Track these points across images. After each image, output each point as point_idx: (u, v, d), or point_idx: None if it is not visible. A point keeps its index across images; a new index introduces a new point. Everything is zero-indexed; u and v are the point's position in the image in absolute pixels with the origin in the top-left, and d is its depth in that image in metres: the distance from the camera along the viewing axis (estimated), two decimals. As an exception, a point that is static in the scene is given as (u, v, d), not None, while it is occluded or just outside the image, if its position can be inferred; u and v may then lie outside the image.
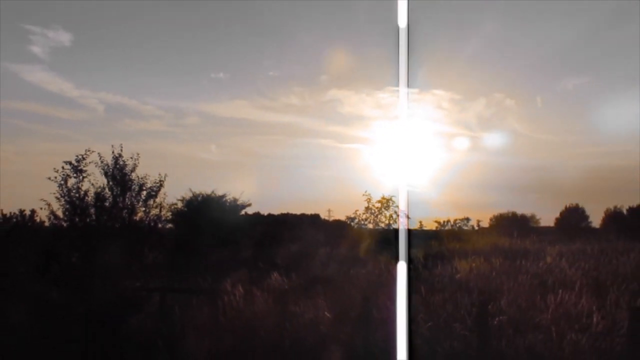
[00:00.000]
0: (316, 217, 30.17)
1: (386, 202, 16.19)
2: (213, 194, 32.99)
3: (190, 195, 32.87)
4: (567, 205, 53.94)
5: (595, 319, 10.60)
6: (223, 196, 33.15)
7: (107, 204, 13.19)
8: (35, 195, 13.26)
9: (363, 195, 18.98)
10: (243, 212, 32.86)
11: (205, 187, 33.41)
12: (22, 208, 13.66)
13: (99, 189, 13.18)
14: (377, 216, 15.91)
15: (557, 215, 54.26)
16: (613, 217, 55.78)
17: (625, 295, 12.38)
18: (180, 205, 32.36)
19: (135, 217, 13.46)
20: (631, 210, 58.47)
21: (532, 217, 53.98)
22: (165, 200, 13.86)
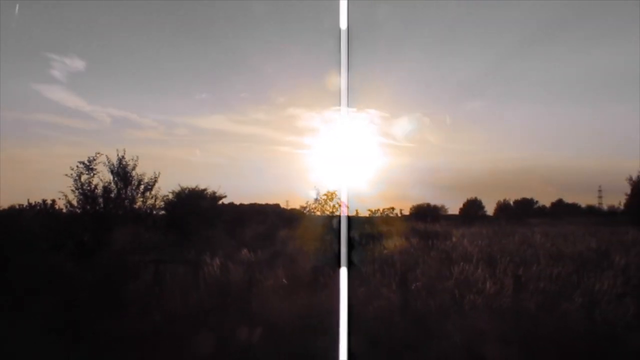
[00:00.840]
0: (277, 206, 30.21)
1: (330, 195, 16.27)
2: (197, 188, 32.89)
3: (179, 189, 32.74)
4: (468, 198, 54.61)
5: (488, 284, 10.76)
6: (204, 190, 33.03)
7: (112, 195, 13.16)
8: (56, 188, 13.18)
9: (313, 189, 19.05)
10: (220, 202, 32.86)
11: (191, 182, 33.29)
12: (45, 198, 13.53)
13: (106, 184, 13.17)
14: (323, 206, 15.97)
15: (461, 205, 55.03)
16: (502, 208, 56.85)
17: (510, 266, 12.59)
18: (171, 196, 32.23)
19: (135, 206, 13.44)
20: (515, 202, 59.59)
21: (442, 207, 54.56)
22: (159, 193, 13.84)
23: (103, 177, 12.98)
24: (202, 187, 32.99)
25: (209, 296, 11.35)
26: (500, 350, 7.14)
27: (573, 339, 8.21)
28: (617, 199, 61.79)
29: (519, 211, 54.30)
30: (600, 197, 66.62)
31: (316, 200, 16.25)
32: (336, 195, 16.27)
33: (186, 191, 32.36)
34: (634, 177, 40.95)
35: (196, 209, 27.69)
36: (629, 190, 42.08)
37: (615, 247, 17.47)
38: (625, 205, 44.73)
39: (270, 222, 23.92)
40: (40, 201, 13.72)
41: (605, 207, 61.98)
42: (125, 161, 13.22)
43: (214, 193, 33.11)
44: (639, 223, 30.40)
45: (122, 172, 13.13)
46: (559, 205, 63.13)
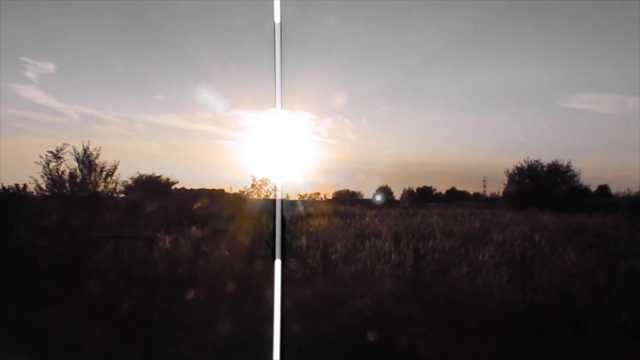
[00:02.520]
0: (222, 191, 29.93)
1: (265, 182, 16.23)
2: (153, 175, 32.24)
3: (137, 175, 31.96)
4: (380, 186, 55.62)
5: (393, 256, 11.00)
6: (159, 176, 32.44)
7: (77, 180, 12.77)
8: (27, 174, 12.70)
9: (250, 176, 18.94)
10: (173, 187, 32.29)
11: (147, 170, 32.51)
12: (17, 183, 13.01)
13: (72, 170, 12.74)
14: (259, 191, 15.91)
15: (374, 191, 55.93)
16: (408, 193, 57.87)
17: (412, 241, 12.91)
18: (130, 182, 31.50)
19: (97, 189, 13.05)
20: (418, 189, 60.88)
21: (359, 193, 55.42)
22: (119, 179, 13.50)
23: (69, 165, 12.57)
24: (157, 174, 32.38)
25: (162, 266, 11.17)
26: (402, 308, 7.34)
27: (460, 298, 8.51)
28: (497, 187, 64.13)
29: (421, 197, 55.63)
30: (484, 186, 68.88)
31: (253, 186, 16.18)
32: (269, 181, 16.25)
33: (143, 177, 31.71)
34: (510, 170, 42.69)
35: (152, 192, 27.12)
36: (506, 181, 43.86)
37: (494, 226, 18.15)
38: (504, 192, 46.58)
39: (216, 204, 23.66)
40: (14, 185, 13.16)
41: (488, 194, 64.30)
42: (90, 151, 12.82)
43: (168, 179, 32.58)
44: (514, 207, 31.68)
45: (86, 161, 12.73)
46: (452, 192, 65.06)
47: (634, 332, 7.24)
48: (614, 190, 50.37)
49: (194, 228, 15.72)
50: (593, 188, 47.29)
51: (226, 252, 11.47)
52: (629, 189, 50.14)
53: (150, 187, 29.31)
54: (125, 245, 12.55)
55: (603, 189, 50.79)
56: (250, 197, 17.02)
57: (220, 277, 9.81)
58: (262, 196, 16.53)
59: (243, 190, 17.46)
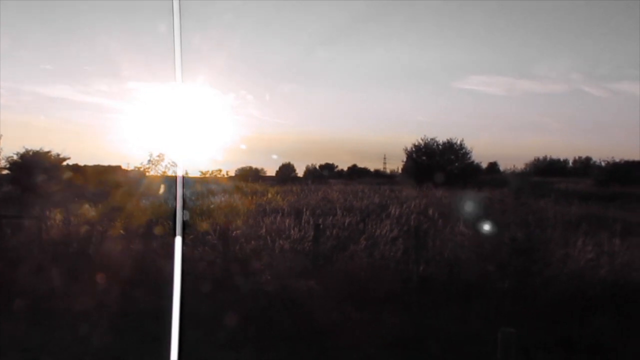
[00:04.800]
0: (118, 167, 28.73)
1: (162, 157, 15.72)
2: (41, 150, 30.32)
3: (24, 150, 29.91)
4: (283, 162, 55.86)
5: (294, 231, 11.09)
6: (49, 152, 30.57)
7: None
8: None
9: (147, 152, 18.31)
10: (65, 163, 30.56)
11: (35, 145, 30.52)
12: None
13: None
14: (156, 166, 15.41)
15: (277, 168, 56.19)
16: (309, 170, 58.57)
17: (313, 217, 13.08)
18: (15, 157, 29.42)
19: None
20: (320, 166, 61.71)
21: (262, 169, 55.41)
22: (2, 154, 12.58)
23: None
24: (46, 149, 30.46)
25: (51, 246, 10.61)
26: (302, 282, 7.47)
27: (358, 271, 8.79)
28: (397, 164, 66.43)
29: (323, 173, 56.55)
30: (385, 163, 71.07)
31: (150, 162, 15.63)
32: (166, 157, 15.77)
33: (30, 153, 29.75)
34: (409, 148, 44.31)
35: (40, 169, 25.56)
36: (404, 158, 45.52)
37: (392, 201, 18.74)
38: (402, 169, 48.35)
39: (111, 180, 22.67)
40: None
41: (388, 171, 66.51)
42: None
43: (58, 155, 30.78)
44: (411, 183, 32.98)
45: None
46: (353, 169, 66.62)
47: (516, 298, 7.83)
48: (502, 167, 53.82)
49: (86, 206, 14.99)
50: (484, 165, 50.32)
51: (121, 231, 11.05)
52: (514, 166, 53.80)
53: (38, 162, 27.59)
54: (10, 225, 11.77)
55: (493, 166, 54.11)
56: (148, 173, 16.44)
57: (115, 256, 9.47)
58: (160, 173, 16.02)
59: (140, 166, 16.79)
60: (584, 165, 55.35)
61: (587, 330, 6.96)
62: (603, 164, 46.36)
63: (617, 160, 44.09)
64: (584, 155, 59.44)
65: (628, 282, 8.13)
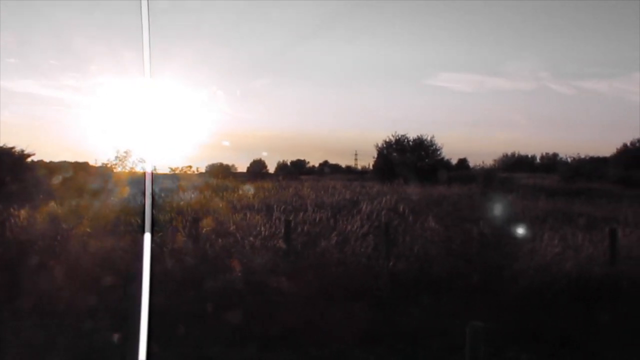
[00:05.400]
0: (85, 163, 28.23)
1: (130, 153, 15.50)
2: (5, 146, 29.59)
3: (-14, 147, 29.19)
4: (254, 158, 55.66)
5: (264, 228, 11.07)
6: (12, 148, 29.84)
7: None
8: None
9: (114, 148, 18.02)
10: (30, 159, 29.86)
11: (-2, 141, 29.79)
12: None
13: None
14: (123, 163, 15.20)
15: (248, 165, 55.96)
16: (281, 166, 58.48)
17: (284, 214, 13.06)
18: (-23, 154, 28.69)
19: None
20: (292, 162, 61.58)
21: (232, 166, 55.12)
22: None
23: None
24: (9, 145, 29.73)
25: (15, 245, 10.34)
26: (273, 279, 7.44)
27: (328, 267, 8.80)
28: (368, 161, 66.78)
29: (294, 169, 56.50)
30: (356, 159, 71.35)
31: (117, 157, 15.40)
32: (134, 153, 15.59)
33: (-7, 149, 28.99)
34: (380, 144, 44.56)
35: (3, 165, 24.96)
36: (376, 154, 45.76)
37: (363, 197, 18.86)
38: (373, 166, 48.54)
39: (78, 177, 22.28)
40: None
41: (359, 167, 66.78)
42: None
43: (23, 151, 30.04)
44: (382, 180, 33.16)
45: None
46: (324, 165, 66.69)
47: (484, 291, 7.95)
48: (471, 163, 54.54)
49: (52, 203, 14.69)
50: (454, 161, 50.92)
51: (88, 230, 10.85)
52: (483, 162, 54.58)
53: (2, 159, 26.93)
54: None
55: (462, 162, 54.77)
56: (115, 170, 16.21)
57: (81, 254, 9.29)
58: (128, 169, 15.81)
59: (107, 163, 16.52)
60: (551, 162, 56.46)
61: (554, 322, 7.10)
62: (569, 160, 47.43)
63: (583, 156, 45.12)
64: (551, 152, 60.68)
65: (592, 275, 8.32)
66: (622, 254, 9.28)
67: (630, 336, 6.91)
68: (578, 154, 48.39)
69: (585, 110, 77.89)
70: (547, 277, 8.36)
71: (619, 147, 52.80)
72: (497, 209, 10.08)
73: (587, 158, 44.30)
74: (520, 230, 10.61)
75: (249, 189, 22.39)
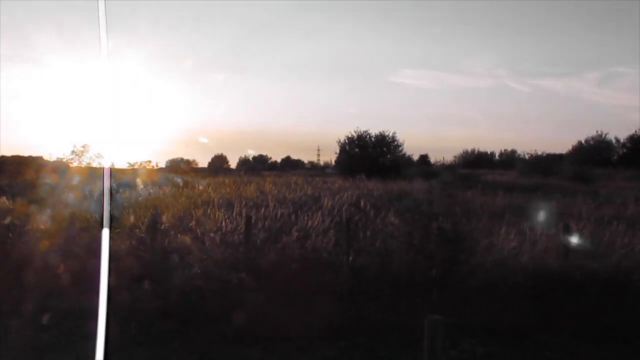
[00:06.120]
0: (39, 158, 27.48)
1: (87, 148, 15.13)
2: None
3: None
4: (216, 154, 55.18)
5: (224, 223, 10.99)
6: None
7: None
8: None
9: (71, 143, 17.58)
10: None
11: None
12: None
13: None
14: (80, 158, 14.82)
15: (209, 160, 55.47)
16: (243, 162, 58.11)
17: (245, 209, 13.00)
18: None
19: None
20: (254, 158, 61.36)
21: (194, 161, 54.55)
22: None
23: None
24: (-47, 138, 28.71)
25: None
26: (232, 275, 7.40)
27: (289, 263, 8.80)
28: (330, 157, 67.04)
29: (256, 165, 56.31)
30: (318, 155, 71.57)
31: (73, 152, 14.99)
32: (91, 148, 15.21)
33: None
34: (342, 140, 44.78)
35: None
36: (338, 150, 45.99)
37: (325, 193, 18.92)
38: (336, 161, 48.80)
39: (31, 172, 21.65)
40: None
41: (322, 162, 67.00)
42: None
43: (-32, 144, 29.05)
44: (344, 175, 33.33)
45: None
46: (287, 160, 66.73)
47: (443, 286, 8.09)
48: (433, 159, 55.37)
49: (3, 199, 14.25)
50: (415, 157, 51.62)
51: (42, 227, 10.56)
52: (444, 158, 55.47)
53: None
54: None
55: (424, 158, 55.55)
56: (71, 165, 15.81)
57: (35, 251, 9.05)
58: (85, 164, 15.43)
59: (63, 157, 16.08)
60: (510, 158, 57.83)
61: (509, 315, 7.29)
62: (527, 156, 48.60)
63: (540, 153, 46.30)
64: (509, 148, 62.12)
65: (547, 268, 8.56)
66: (575, 247, 9.57)
67: (581, 327, 7.16)
68: (535, 150, 49.70)
69: (542, 108, 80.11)
70: (504, 270, 8.57)
71: (574, 144, 54.59)
72: (456, 205, 10.24)
73: (544, 155, 45.50)
74: (478, 225, 10.84)
75: (209, 184, 22.21)
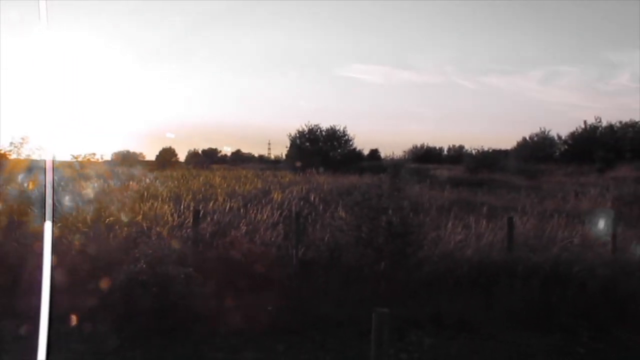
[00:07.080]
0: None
1: (27, 140, 14.48)
2: None
3: None
4: (164, 147, 54.11)
5: (173, 217, 10.82)
6: None
7: None
8: None
9: (9, 135, 16.85)
10: None
11: None
12: None
13: None
14: (19, 150, 14.16)
15: (157, 152, 54.35)
16: (192, 155, 57.27)
17: (192, 202, 12.84)
18: None
19: None
20: (203, 151, 60.50)
21: (140, 154, 53.38)
22: None
23: None
24: None
25: None
26: (179, 270, 7.27)
27: (238, 256, 8.73)
28: (281, 150, 66.88)
29: (206, 158, 55.52)
30: (269, 149, 71.22)
31: (12, 144, 14.31)
32: (31, 139, 14.56)
33: None
34: (293, 134, 44.75)
35: None
36: (289, 144, 45.93)
37: (275, 187, 18.87)
38: (286, 155, 48.70)
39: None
40: None
41: (272, 156, 66.74)
42: None
43: None
44: (295, 169, 33.32)
45: None
46: (237, 154, 66.13)
47: (391, 279, 8.20)
48: (383, 154, 55.97)
49: None
50: (366, 152, 52.07)
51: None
52: (393, 153, 56.14)
53: None
54: None
55: (374, 153, 56.04)
56: (10, 157, 15.12)
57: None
58: (24, 156, 14.79)
59: (0, 149, 15.37)
60: (457, 153, 59.04)
61: (455, 306, 7.47)
62: (474, 152, 49.72)
63: (486, 148, 47.46)
64: (457, 144, 63.43)
65: (491, 261, 8.81)
66: (519, 241, 9.88)
67: (525, 317, 7.41)
68: (482, 146, 50.91)
69: (489, 105, 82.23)
70: (451, 263, 8.76)
71: (519, 140, 56.26)
72: (404, 199, 10.39)
73: (490, 150, 46.69)
74: (426, 219, 11.03)
75: (157, 177, 21.81)
